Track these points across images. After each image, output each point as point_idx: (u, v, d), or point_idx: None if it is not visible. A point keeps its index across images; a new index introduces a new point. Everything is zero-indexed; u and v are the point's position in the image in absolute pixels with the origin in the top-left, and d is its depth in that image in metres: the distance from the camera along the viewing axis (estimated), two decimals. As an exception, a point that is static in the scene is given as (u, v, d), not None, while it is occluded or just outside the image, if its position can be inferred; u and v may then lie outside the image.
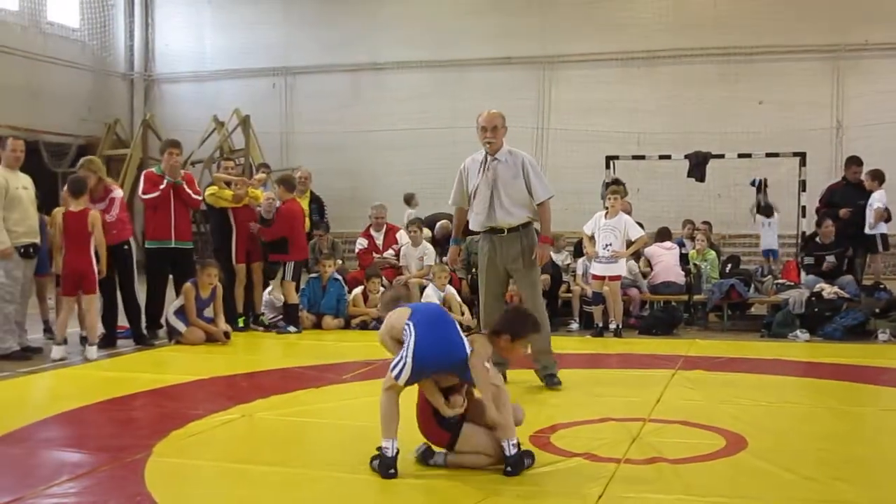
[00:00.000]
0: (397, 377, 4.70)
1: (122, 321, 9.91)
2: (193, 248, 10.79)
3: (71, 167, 18.43)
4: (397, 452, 4.71)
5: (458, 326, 4.96)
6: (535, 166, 7.34)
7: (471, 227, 7.57)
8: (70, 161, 19.55)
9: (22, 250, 8.78)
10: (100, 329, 9.24)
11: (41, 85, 20.17)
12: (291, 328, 10.71)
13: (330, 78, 21.33)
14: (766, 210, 15.06)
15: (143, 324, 9.91)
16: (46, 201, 9.98)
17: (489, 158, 7.26)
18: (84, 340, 9.17)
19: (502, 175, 7.20)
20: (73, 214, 8.70)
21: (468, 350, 4.75)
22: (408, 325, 4.79)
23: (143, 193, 10.10)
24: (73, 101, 21.15)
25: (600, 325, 10.58)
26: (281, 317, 11.10)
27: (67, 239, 8.69)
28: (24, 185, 8.94)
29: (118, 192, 9.84)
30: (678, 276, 11.57)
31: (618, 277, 10.56)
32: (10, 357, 8.62)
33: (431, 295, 10.86)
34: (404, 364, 4.67)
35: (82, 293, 8.74)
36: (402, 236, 12.44)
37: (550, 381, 7.25)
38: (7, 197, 8.69)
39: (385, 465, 4.68)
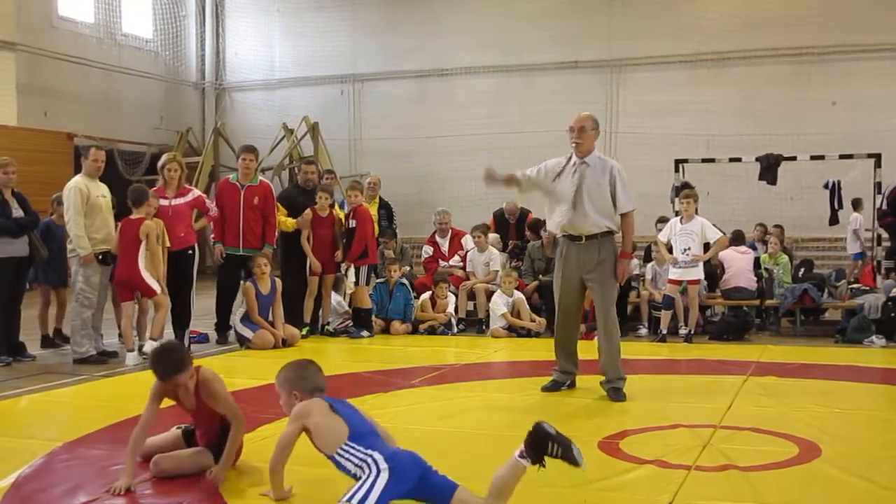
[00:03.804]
0: None
1: (195, 326, 10.14)
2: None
3: (145, 175, 18.87)
4: None
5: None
6: (624, 176, 7.12)
7: (548, 227, 7.41)
8: (144, 169, 20.00)
9: (100, 257, 9.03)
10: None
11: (116, 95, 20.72)
12: (364, 333, 10.75)
13: (397, 84, 21.49)
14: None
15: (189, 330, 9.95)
16: (121, 209, 10.25)
17: (578, 161, 7.12)
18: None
19: (589, 179, 7.03)
20: (128, 222, 8.94)
21: None
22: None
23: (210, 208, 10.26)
24: (147, 110, 21.66)
25: (664, 331, 10.45)
26: (345, 322, 11.14)
27: (120, 246, 8.93)
28: (102, 194, 9.21)
29: (197, 191, 10.17)
30: (749, 282, 11.40)
31: (697, 281, 10.47)
32: (87, 361, 8.86)
33: (499, 301, 10.83)
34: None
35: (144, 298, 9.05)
36: (468, 241, 12.30)
37: (615, 395, 6.92)
38: (88, 205, 8.98)
39: None
